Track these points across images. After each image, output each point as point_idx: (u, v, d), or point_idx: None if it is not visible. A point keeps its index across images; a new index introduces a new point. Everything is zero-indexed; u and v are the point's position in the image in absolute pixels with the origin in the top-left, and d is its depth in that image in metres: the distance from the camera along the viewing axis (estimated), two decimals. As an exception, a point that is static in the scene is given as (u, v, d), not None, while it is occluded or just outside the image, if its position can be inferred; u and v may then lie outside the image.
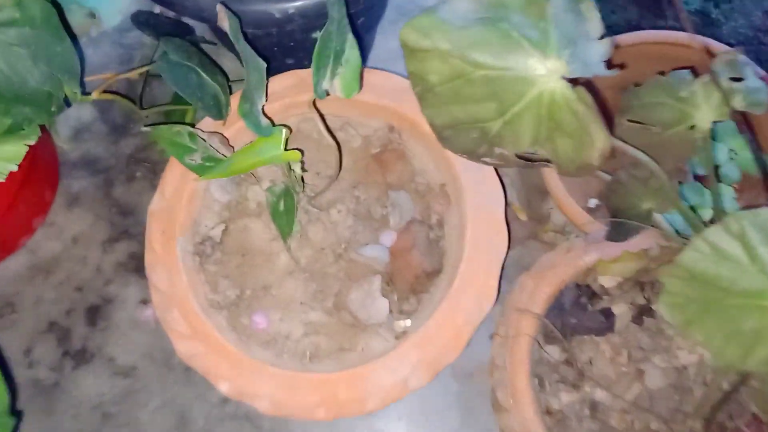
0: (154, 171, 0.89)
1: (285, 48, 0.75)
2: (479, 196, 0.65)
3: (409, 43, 0.49)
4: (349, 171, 0.71)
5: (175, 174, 0.68)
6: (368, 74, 0.70)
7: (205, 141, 0.63)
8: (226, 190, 0.69)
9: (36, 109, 0.56)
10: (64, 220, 0.87)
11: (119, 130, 0.91)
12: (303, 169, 0.55)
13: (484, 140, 0.52)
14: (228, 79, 0.68)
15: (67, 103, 0.59)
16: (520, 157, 0.52)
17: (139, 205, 0.87)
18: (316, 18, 0.63)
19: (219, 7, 0.49)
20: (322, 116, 0.58)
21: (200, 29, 0.88)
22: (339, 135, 0.72)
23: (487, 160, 0.54)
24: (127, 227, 0.86)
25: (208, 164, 0.62)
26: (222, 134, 0.65)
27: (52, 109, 0.57)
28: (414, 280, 0.65)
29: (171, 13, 0.85)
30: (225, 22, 0.50)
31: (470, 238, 0.64)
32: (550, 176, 0.78)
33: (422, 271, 0.65)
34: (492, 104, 0.49)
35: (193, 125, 0.64)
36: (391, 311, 0.64)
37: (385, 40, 0.92)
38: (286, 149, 0.56)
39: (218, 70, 0.66)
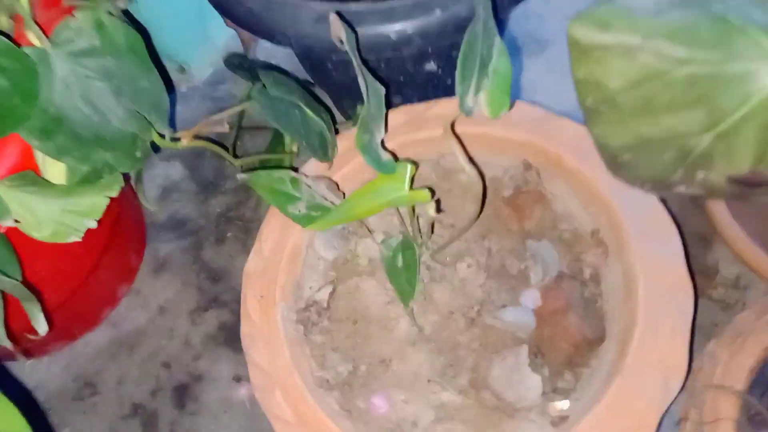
0: (247, 230, 0.80)
1: (393, 83, 0.66)
2: (649, 243, 0.52)
3: (581, 39, 0.37)
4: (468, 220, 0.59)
5: (274, 229, 0.58)
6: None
7: (310, 187, 0.53)
8: (332, 245, 0.58)
9: (118, 154, 0.47)
10: (150, 288, 0.78)
11: (209, 188, 0.83)
12: (438, 210, 0.44)
13: (683, 162, 0.39)
14: (333, 118, 0.58)
15: (155, 148, 0.50)
16: (735, 181, 0.39)
17: (230, 270, 0.78)
18: (436, 38, 0.54)
19: (333, 18, 0.40)
20: (461, 142, 0.47)
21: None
22: (461, 177, 0.60)
23: (683, 189, 0.42)
24: (217, 294, 0.77)
25: (314, 213, 0.52)
26: (329, 178, 0.55)
27: (137, 154, 0.48)
28: (572, 350, 0.52)
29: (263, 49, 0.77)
30: (341, 32, 0.40)
31: (644, 297, 0.50)
32: (721, 216, 0.63)
33: (582, 338, 0.51)
34: (698, 113, 0.36)
35: (295, 170, 0.54)
36: (543, 390, 0.51)
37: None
38: (412, 188, 0.45)
39: (322, 107, 0.57)
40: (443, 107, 0.60)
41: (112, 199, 0.69)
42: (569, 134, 0.57)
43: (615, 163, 0.43)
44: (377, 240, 0.57)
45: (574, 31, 0.37)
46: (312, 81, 0.74)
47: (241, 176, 0.53)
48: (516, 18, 0.84)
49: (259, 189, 0.53)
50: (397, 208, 0.54)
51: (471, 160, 0.51)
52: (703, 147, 0.38)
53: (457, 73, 0.38)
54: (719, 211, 0.63)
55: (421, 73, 0.64)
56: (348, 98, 0.70)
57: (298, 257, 0.58)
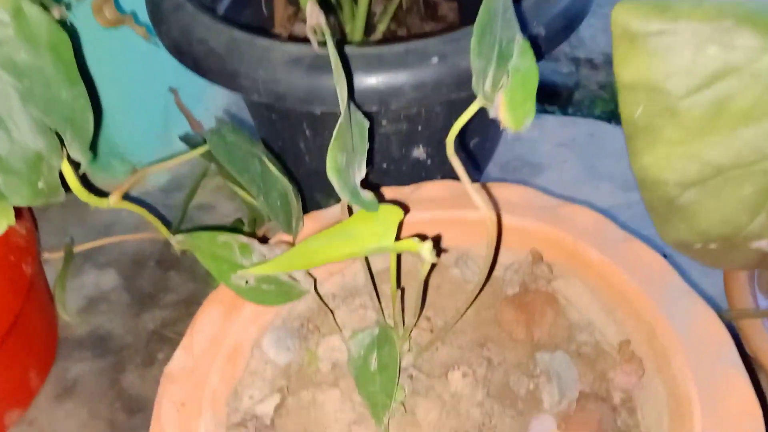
0: (182, 351, 0.65)
1: (374, 172, 0.57)
2: (700, 355, 0.40)
3: (630, 25, 0.29)
4: (470, 323, 0.46)
5: (211, 319, 0.45)
6: (495, 188, 0.50)
7: (264, 256, 0.41)
8: (285, 346, 0.45)
9: (12, 179, 0.36)
10: (48, 417, 0.61)
11: (145, 301, 0.70)
12: (438, 253, 0.32)
13: (769, 197, 0.29)
14: (301, 191, 0.48)
15: (65, 185, 0.39)
16: None
17: (155, 398, 0.62)
18: (431, 92, 0.45)
19: (310, 5, 0.31)
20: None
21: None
22: (453, 272, 0.49)
23: (764, 244, 0.31)
24: (132, 430, 0.60)
25: (266, 287, 0.40)
26: (291, 244, 0.44)
27: (39, 184, 0.37)
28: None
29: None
30: (319, 17, 0.31)
31: (702, 428, 0.37)
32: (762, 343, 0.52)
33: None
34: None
35: (252, 236, 0.42)
36: None
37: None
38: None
39: (289, 173, 0.47)
40: (433, 190, 0.50)
41: (13, 297, 0.56)
42: (588, 222, 0.47)
43: (670, 209, 0.32)
44: (346, 337, 0.44)
45: (620, 15, 0.29)
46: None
47: (176, 238, 0.41)
48: (505, 143, 0.79)
49: (199, 254, 0.41)
50: (375, 289, 0.41)
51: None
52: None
53: (472, 46, 0.29)
54: (759, 336, 0.52)
55: (408, 160, 0.56)
56: (321, 190, 0.60)
57: (239, 358, 0.44)
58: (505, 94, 0.30)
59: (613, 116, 0.90)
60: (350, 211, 0.40)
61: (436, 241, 0.47)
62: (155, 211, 0.78)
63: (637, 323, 0.43)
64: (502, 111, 0.30)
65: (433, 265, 0.49)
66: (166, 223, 0.75)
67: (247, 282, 0.40)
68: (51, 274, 0.69)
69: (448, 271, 0.49)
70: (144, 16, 0.53)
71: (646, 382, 0.43)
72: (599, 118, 0.88)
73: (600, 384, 0.43)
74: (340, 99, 0.34)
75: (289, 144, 0.57)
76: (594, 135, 0.80)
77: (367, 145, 0.37)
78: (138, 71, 0.71)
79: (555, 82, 1.04)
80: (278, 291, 0.39)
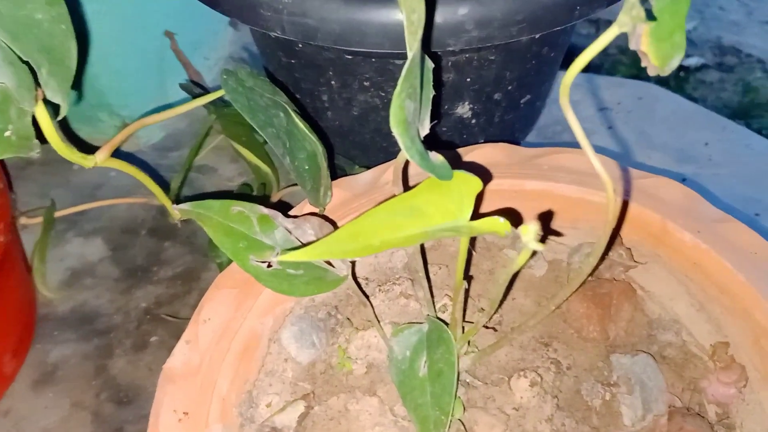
0: (180, 334, 0.57)
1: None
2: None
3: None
4: (531, 317, 0.39)
5: (221, 304, 0.36)
6: (558, 154, 0.42)
7: (289, 232, 0.33)
8: (309, 341, 0.37)
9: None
10: (25, 407, 0.53)
11: (136, 275, 0.61)
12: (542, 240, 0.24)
13: None
14: (332, 151, 0.40)
15: (39, 134, 0.30)
16: None
17: (148, 389, 0.55)
18: (498, 31, 0.37)
19: None
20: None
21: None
22: (510, 255, 0.41)
23: None
24: (121, 425, 0.53)
25: (292, 272, 0.31)
26: (324, 217, 0.35)
27: (7, 131, 0.28)
28: None
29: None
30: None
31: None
32: None
33: None
34: None
35: (269, 205, 0.34)
36: None
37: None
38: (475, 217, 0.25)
39: (317, 130, 0.38)
40: (488, 154, 0.42)
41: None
42: (676, 198, 0.39)
43: None
44: (386, 332, 0.36)
45: None
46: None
47: (178, 207, 0.33)
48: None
49: (209, 228, 0.33)
50: (427, 277, 0.33)
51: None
52: None
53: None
54: None
55: (449, 118, 0.47)
56: (344, 153, 0.51)
57: (253, 354, 0.36)
58: (651, 26, 0.21)
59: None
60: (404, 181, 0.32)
61: (545, 218, 0.39)
62: (148, 173, 0.69)
63: (740, 322, 0.36)
64: (644, 42, 0.22)
65: (479, 248, 0.41)
66: (162, 186, 0.66)
67: (269, 265, 0.31)
68: (29, 242, 0.60)
69: (502, 253, 0.41)
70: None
71: (748, 395, 0.35)
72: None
73: (691, 396, 0.36)
74: (407, 27, 0.25)
75: (308, 97, 0.48)
76: (642, 98, 0.72)
77: (432, 94, 0.29)
78: (129, 10, 0.62)
79: (572, 44, 0.96)
80: (309, 277, 0.31)
